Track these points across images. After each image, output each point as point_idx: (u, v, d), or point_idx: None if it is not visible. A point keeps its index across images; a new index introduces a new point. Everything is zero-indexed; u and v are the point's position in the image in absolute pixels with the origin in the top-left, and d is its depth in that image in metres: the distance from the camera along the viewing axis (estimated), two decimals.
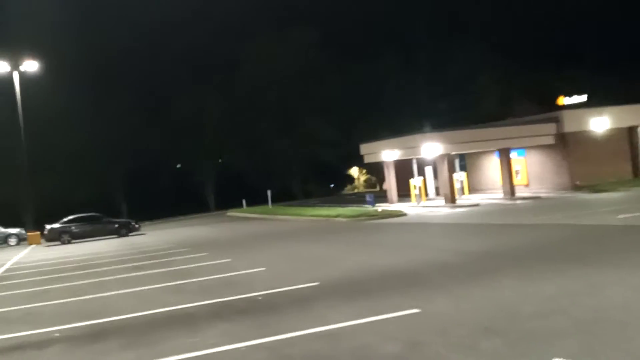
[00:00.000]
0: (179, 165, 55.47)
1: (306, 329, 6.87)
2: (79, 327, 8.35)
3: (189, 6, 49.82)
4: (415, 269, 10.40)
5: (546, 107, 30.99)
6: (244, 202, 40.45)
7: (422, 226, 19.19)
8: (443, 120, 34.50)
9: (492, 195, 28.68)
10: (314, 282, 9.85)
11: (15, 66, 32.63)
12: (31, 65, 33.02)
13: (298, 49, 48.15)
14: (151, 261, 16.00)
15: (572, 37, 46.18)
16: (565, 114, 27.74)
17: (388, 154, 29.74)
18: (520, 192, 27.61)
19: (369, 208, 25.41)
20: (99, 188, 47.78)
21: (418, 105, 44.06)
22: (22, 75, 33.03)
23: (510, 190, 26.79)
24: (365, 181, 61.86)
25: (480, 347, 5.68)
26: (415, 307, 7.35)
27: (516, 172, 28.90)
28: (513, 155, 28.15)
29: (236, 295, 9.41)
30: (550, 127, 27.25)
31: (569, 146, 27.13)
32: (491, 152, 29.88)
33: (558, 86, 40.20)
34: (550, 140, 27.09)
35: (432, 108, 39.83)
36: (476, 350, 5.60)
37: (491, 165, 31.17)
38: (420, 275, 9.77)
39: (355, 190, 59.39)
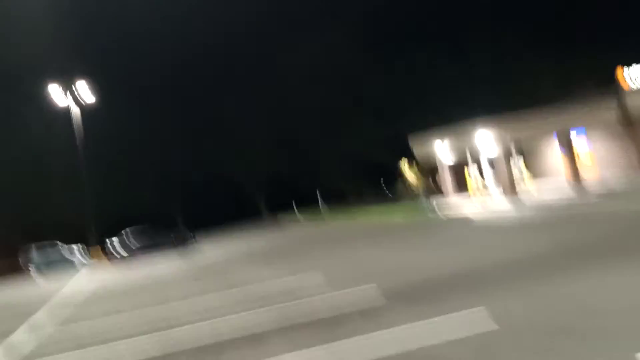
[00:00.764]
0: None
1: (371, 335, 6.72)
2: (144, 340, 8.49)
3: (224, 12, 50.73)
4: (481, 268, 9.99)
5: (606, 84, 29.51)
6: (295, 208, 40.63)
7: (483, 221, 18.57)
8: (498, 108, 33.40)
9: (556, 182, 27.51)
10: (374, 286, 9.66)
11: (69, 90, 33.45)
12: (84, 88, 33.90)
13: (339, 47, 47.77)
14: (211, 274, 16.23)
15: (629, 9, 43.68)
16: (629, 90, 26.26)
17: (441, 147, 29.07)
18: (585, 176, 26.35)
19: (424, 205, 24.91)
20: (155, 203, 49.36)
21: (470, 96, 42.83)
22: (77, 99, 33.98)
23: (575, 175, 25.60)
24: (418, 176, 60.81)
25: (557, 348, 5.35)
26: (484, 308, 7.04)
27: (580, 156, 27.62)
28: (575, 138, 26.93)
29: (298, 303, 9.36)
30: (613, 107, 25.84)
31: (634, 123, 25.66)
32: (551, 136, 28.70)
33: (617, 61, 38.16)
34: (613, 121, 25.70)
35: (485, 98, 38.60)
36: (552, 351, 5.28)
37: (552, 151, 29.94)
38: (488, 275, 9.38)
39: (409, 187, 58.49)
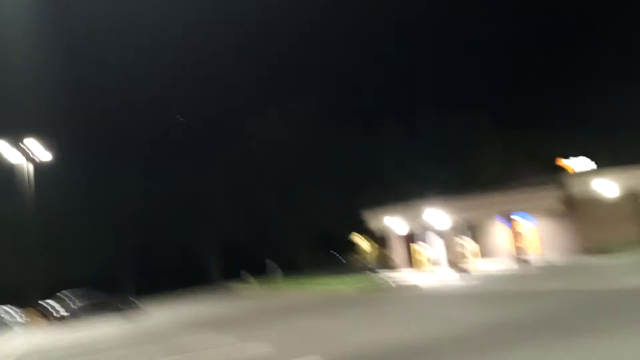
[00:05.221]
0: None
1: None
2: None
3: (181, 83, 51.76)
4: (426, 343, 10.04)
5: (549, 170, 31.16)
6: (249, 275, 39.90)
7: (432, 297, 18.75)
8: (446, 187, 34.61)
9: (502, 262, 28.23)
10: (318, 358, 9.49)
11: (24, 155, 32.05)
12: (33, 145, 32.33)
13: (295, 120, 49.16)
14: (157, 344, 15.44)
15: (570, 100, 47.06)
16: (569, 177, 27.82)
17: (393, 221, 29.63)
18: (531, 257, 27.17)
19: (376, 278, 24.99)
20: (102, 265, 47.55)
21: (419, 174, 44.41)
22: (29, 156, 32.35)
23: (521, 256, 26.39)
24: (371, 249, 61.12)
25: None
26: None
27: (525, 238, 28.57)
28: (521, 220, 27.95)
29: None
30: (555, 192, 27.21)
31: (576, 210, 26.95)
32: (495, 217, 29.70)
33: (559, 148, 40.59)
34: (556, 204, 26.99)
35: (434, 176, 40.23)
36: None
37: (499, 232, 30.88)
38: (432, 350, 9.42)
39: (361, 259, 58.55)
